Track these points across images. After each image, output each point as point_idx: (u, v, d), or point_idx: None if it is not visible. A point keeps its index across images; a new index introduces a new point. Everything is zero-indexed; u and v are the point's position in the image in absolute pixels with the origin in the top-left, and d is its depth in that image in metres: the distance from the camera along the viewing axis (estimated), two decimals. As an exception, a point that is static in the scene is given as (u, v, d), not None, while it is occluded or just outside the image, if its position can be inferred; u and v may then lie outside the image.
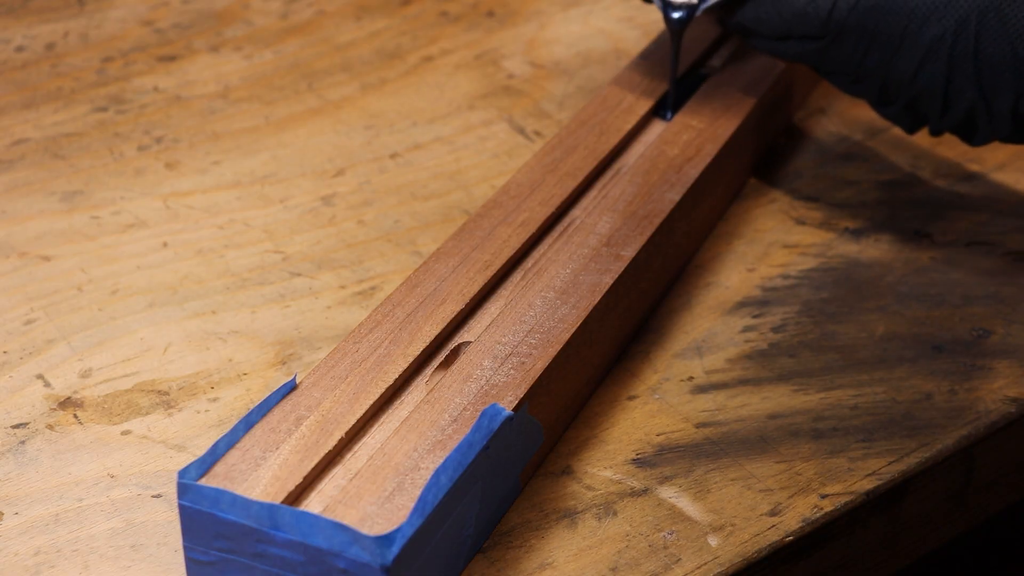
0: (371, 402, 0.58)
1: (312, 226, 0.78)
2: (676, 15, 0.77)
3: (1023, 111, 0.69)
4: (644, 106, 0.78)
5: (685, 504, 0.61)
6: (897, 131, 0.86)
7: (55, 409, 0.65)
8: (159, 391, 0.66)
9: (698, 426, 0.65)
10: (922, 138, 0.85)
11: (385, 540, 0.50)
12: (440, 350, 0.62)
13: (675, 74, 0.79)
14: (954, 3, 0.68)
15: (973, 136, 0.71)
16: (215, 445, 0.54)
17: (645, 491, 0.61)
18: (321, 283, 0.73)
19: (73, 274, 0.73)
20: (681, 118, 0.77)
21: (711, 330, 0.70)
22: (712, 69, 0.84)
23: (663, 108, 0.79)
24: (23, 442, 0.63)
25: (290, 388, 0.58)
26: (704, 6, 0.76)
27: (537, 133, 0.86)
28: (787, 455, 0.63)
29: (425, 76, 0.92)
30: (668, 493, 0.61)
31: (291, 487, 0.53)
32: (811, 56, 0.73)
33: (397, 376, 0.59)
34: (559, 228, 0.69)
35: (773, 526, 0.60)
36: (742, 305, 0.72)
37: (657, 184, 0.71)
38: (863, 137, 0.87)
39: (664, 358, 0.68)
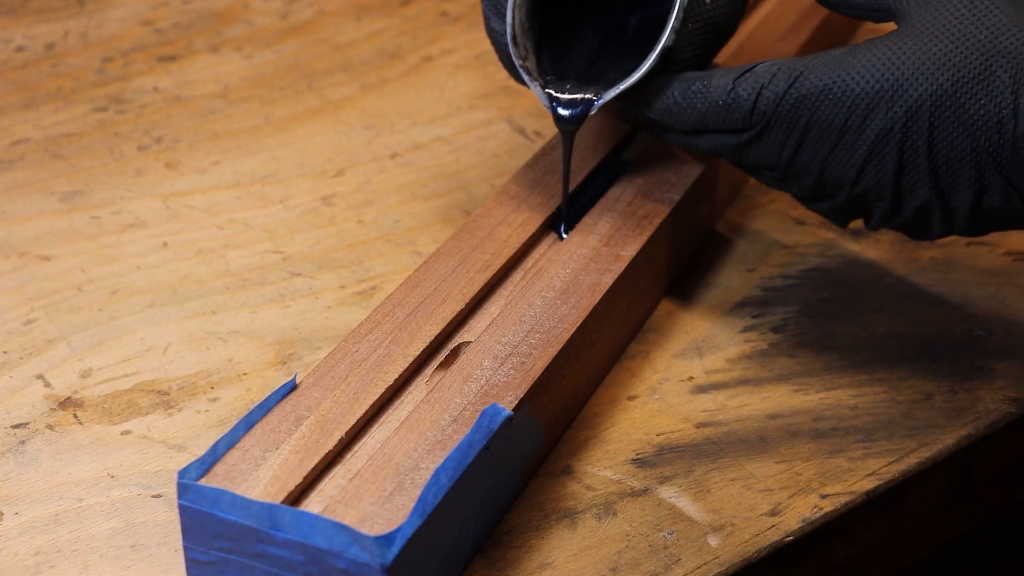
0: (371, 402, 0.58)
1: (312, 226, 0.78)
2: (566, 112, 0.67)
3: (987, 207, 0.61)
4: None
5: (685, 504, 0.61)
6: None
7: (55, 409, 0.65)
8: (159, 391, 0.66)
9: (698, 426, 0.65)
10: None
11: (385, 540, 0.50)
12: (440, 350, 0.62)
13: (567, 188, 0.69)
14: (902, 91, 0.60)
15: (926, 233, 0.64)
16: (215, 445, 0.54)
17: (645, 491, 0.61)
18: (321, 283, 0.73)
19: (73, 274, 0.73)
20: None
21: (711, 330, 0.70)
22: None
23: (558, 221, 0.69)
24: (23, 442, 0.63)
25: (290, 388, 0.58)
26: (600, 102, 0.65)
27: (537, 133, 0.86)
28: (787, 455, 0.63)
29: (425, 76, 0.92)
30: (668, 493, 0.61)
31: (291, 487, 0.53)
32: (731, 151, 0.64)
33: (397, 376, 0.59)
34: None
35: (773, 526, 0.60)
36: (742, 305, 0.72)
37: (657, 184, 0.71)
38: (863, 137, 0.87)
39: (664, 358, 0.68)
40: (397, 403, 0.59)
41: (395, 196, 0.80)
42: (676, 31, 0.64)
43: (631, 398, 0.66)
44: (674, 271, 0.73)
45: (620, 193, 0.70)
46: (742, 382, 0.67)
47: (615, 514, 0.60)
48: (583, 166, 0.72)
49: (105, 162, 0.83)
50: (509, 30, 0.66)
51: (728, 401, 0.66)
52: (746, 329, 0.70)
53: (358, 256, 0.75)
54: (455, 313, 0.63)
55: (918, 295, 0.73)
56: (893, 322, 0.71)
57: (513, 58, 0.66)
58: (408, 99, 0.90)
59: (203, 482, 0.53)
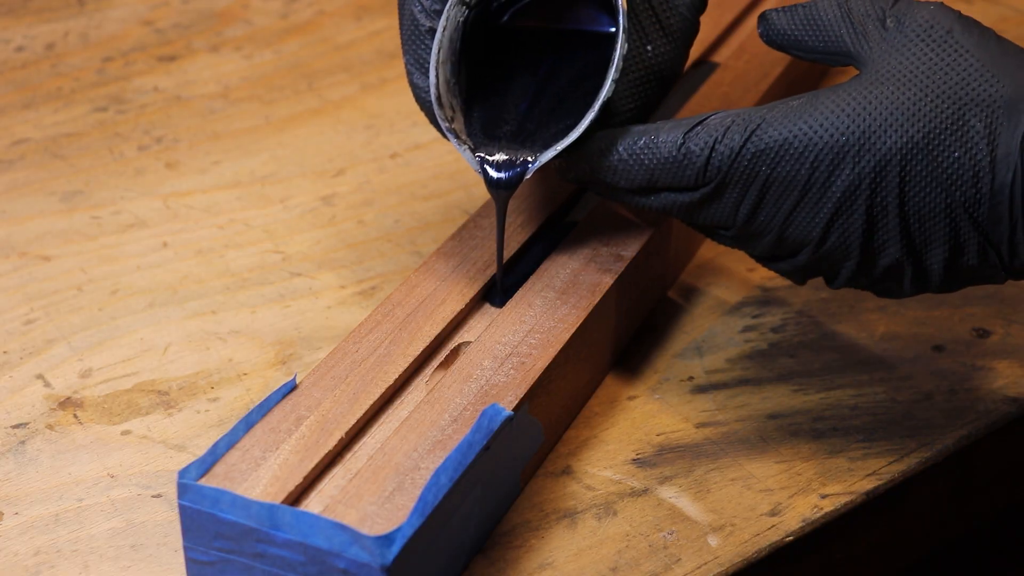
0: (371, 402, 0.58)
1: (312, 226, 0.78)
2: (499, 177, 0.61)
3: (962, 265, 0.58)
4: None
5: (685, 504, 0.61)
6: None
7: (55, 409, 0.65)
8: (159, 391, 0.66)
9: (698, 426, 0.65)
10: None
11: (385, 540, 0.50)
12: (440, 350, 0.62)
13: (502, 257, 0.64)
14: (870, 144, 0.56)
15: (896, 292, 0.60)
16: (215, 445, 0.54)
17: (645, 491, 0.61)
18: (321, 283, 0.73)
19: (73, 274, 0.73)
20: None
21: (711, 330, 0.70)
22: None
23: (494, 290, 0.65)
24: (23, 442, 0.63)
25: (290, 388, 0.58)
26: (536, 165, 0.60)
27: (537, 133, 0.86)
28: (787, 455, 0.63)
29: (425, 76, 0.92)
30: (668, 493, 0.61)
31: (291, 487, 0.54)
32: (684, 211, 0.60)
33: (397, 376, 0.59)
34: (559, 228, 0.69)
35: (773, 526, 0.60)
36: (742, 305, 0.72)
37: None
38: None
39: (664, 358, 0.68)
40: (397, 403, 0.59)
41: (395, 196, 0.80)
42: (616, 81, 0.60)
43: (631, 398, 0.66)
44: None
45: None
46: (742, 382, 0.67)
47: (615, 514, 0.60)
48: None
49: (105, 162, 0.83)
50: (433, 90, 0.61)
51: (728, 401, 0.66)
52: (746, 329, 0.70)
53: (358, 256, 0.75)
54: (455, 313, 0.63)
55: (918, 295, 0.73)
56: (893, 322, 0.71)
57: (439, 121, 0.61)
58: (408, 99, 0.90)
59: (203, 482, 0.53)
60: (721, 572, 0.58)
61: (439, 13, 0.62)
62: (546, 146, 0.61)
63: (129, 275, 0.73)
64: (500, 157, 0.62)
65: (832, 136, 0.56)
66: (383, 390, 0.58)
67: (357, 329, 0.61)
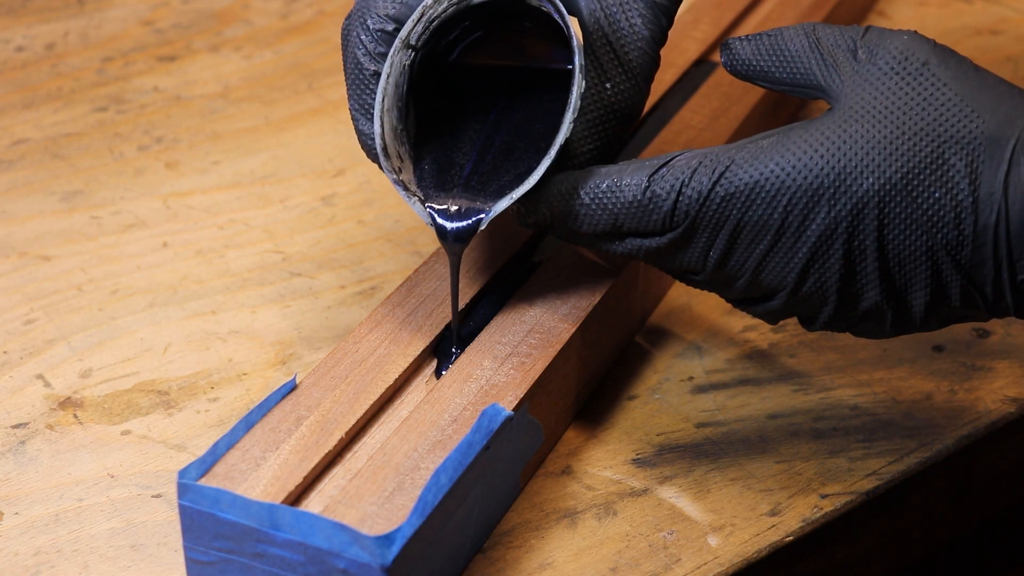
0: (371, 402, 0.58)
1: (312, 226, 0.78)
2: (451, 228, 0.58)
3: (948, 306, 0.56)
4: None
5: (685, 504, 0.61)
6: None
7: (55, 409, 0.65)
8: (159, 391, 0.66)
9: (698, 426, 0.65)
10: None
11: (385, 540, 0.50)
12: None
13: (456, 313, 0.61)
14: (846, 185, 0.54)
15: (877, 334, 0.58)
16: (215, 445, 0.54)
17: (645, 491, 0.61)
18: (321, 283, 0.73)
19: (73, 274, 0.73)
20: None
21: (711, 330, 0.70)
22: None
23: (448, 346, 0.61)
24: (23, 442, 0.63)
25: (290, 388, 0.58)
26: (491, 216, 0.57)
27: (537, 133, 0.86)
28: (787, 455, 0.63)
29: (425, 76, 0.92)
30: (668, 493, 0.61)
31: (291, 487, 0.54)
32: (651, 256, 0.57)
33: (397, 376, 0.59)
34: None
35: (773, 526, 0.60)
36: (742, 305, 0.72)
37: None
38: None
39: (664, 358, 0.68)
40: (397, 403, 0.59)
41: (395, 196, 0.80)
42: (574, 122, 0.57)
43: (631, 398, 0.66)
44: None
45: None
46: (742, 382, 0.67)
47: (615, 514, 0.60)
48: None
49: (105, 162, 0.83)
50: (379, 140, 0.58)
51: (728, 401, 0.66)
52: (746, 329, 0.70)
53: (358, 256, 0.75)
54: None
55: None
56: (893, 322, 0.71)
57: (385, 172, 0.58)
58: (408, 99, 0.90)
59: (203, 482, 0.53)
60: (721, 572, 0.58)
61: (384, 56, 0.59)
62: (501, 193, 0.58)
63: (129, 275, 0.73)
64: (452, 207, 0.59)
65: (806, 177, 0.54)
66: (383, 390, 0.58)
67: (357, 329, 0.61)
